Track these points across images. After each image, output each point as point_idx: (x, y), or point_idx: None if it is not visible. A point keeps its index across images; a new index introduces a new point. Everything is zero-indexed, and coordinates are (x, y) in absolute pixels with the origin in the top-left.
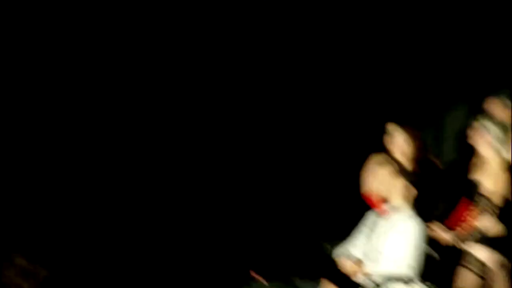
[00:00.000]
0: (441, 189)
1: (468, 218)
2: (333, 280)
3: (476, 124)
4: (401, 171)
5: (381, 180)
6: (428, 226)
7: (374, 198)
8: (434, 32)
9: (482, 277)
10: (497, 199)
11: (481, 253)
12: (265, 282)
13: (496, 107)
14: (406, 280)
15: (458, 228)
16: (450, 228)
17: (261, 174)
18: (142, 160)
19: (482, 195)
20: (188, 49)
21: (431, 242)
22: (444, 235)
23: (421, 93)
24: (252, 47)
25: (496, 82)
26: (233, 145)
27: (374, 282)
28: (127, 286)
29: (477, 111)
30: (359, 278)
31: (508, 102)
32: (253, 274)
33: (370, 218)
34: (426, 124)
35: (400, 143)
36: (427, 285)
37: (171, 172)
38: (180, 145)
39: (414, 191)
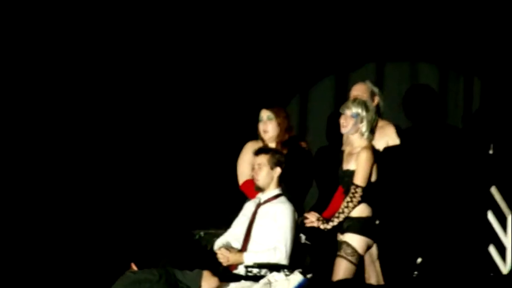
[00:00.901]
0: (315, 176)
1: (340, 205)
2: (213, 271)
3: (341, 110)
4: (275, 157)
5: (257, 169)
6: (305, 216)
7: (250, 187)
8: (298, 5)
9: (355, 264)
10: (364, 183)
11: (353, 240)
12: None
13: (359, 88)
14: (283, 268)
15: (332, 216)
16: (327, 217)
17: (133, 164)
18: None
19: (351, 182)
20: None
21: (308, 231)
22: (319, 223)
23: (286, 67)
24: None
25: (361, 56)
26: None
27: (253, 271)
28: None
29: (342, 86)
30: (239, 268)
31: (370, 83)
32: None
33: (248, 207)
34: (291, 99)
35: (272, 128)
36: (300, 272)
37: None
38: None
39: (288, 178)
